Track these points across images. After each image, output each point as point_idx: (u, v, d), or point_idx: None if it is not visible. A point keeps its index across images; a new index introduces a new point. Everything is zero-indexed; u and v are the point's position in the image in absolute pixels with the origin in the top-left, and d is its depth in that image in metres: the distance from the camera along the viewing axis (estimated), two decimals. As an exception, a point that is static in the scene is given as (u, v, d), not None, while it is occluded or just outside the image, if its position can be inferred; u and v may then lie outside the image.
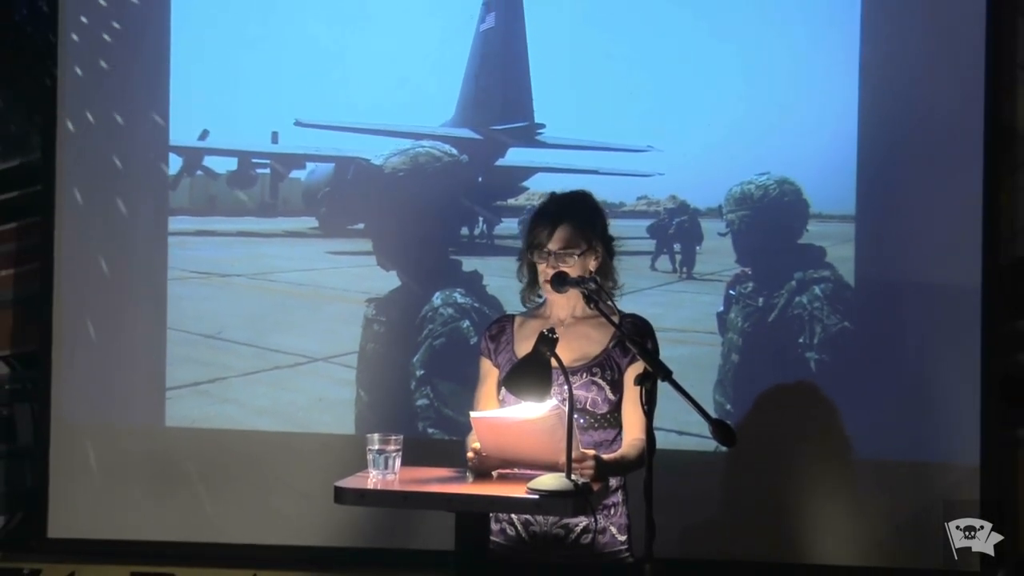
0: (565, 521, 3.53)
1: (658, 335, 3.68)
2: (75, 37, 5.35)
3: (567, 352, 3.53)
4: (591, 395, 3.58)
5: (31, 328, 5.44)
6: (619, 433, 3.61)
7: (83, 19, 5.35)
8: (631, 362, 3.58)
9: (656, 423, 3.22)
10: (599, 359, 3.61)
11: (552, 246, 3.56)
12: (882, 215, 5.05)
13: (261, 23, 5.32)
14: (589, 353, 3.61)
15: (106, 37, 5.35)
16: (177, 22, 5.32)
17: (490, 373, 3.71)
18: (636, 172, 5.19)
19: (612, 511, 3.60)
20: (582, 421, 3.57)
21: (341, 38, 5.28)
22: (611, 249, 3.68)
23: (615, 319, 3.49)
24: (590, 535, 3.56)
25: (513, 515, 3.58)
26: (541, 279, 3.60)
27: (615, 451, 3.54)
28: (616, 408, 3.61)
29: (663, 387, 3.24)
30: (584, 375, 3.58)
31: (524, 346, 3.57)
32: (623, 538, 3.62)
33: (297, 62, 5.28)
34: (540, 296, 3.72)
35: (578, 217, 3.60)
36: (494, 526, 3.61)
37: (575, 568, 3.56)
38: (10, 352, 5.53)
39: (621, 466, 3.49)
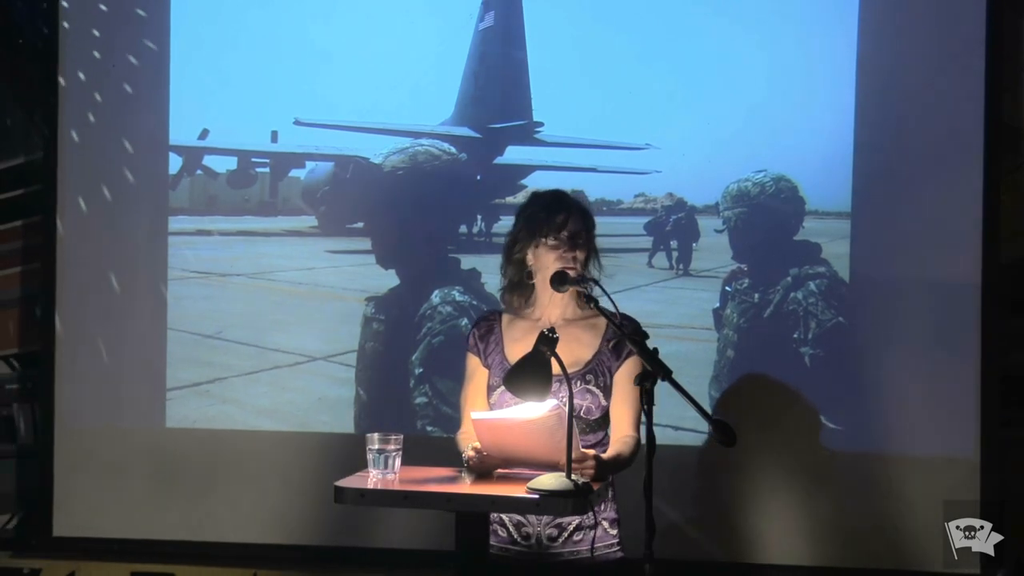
0: (558, 520, 3.54)
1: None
2: (75, 37, 5.36)
3: (560, 355, 3.53)
4: (586, 403, 3.58)
5: (31, 328, 5.46)
6: (607, 433, 3.62)
7: (83, 19, 5.36)
8: (620, 364, 3.59)
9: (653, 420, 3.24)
10: (591, 365, 3.61)
11: (572, 227, 3.57)
12: (877, 212, 5.06)
13: (260, 22, 5.33)
14: (582, 358, 3.61)
15: (106, 37, 5.36)
16: (176, 22, 5.34)
17: (477, 371, 3.68)
18: (634, 170, 5.20)
19: (602, 507, 3.60)
20: (575, 428, 3.57)
21: (340, 37, 5.28)
22: (595, 244, 3.70)
23: (608, 320, 3.49)
24: (582, 532, 3.57)
25: (504, 516, 3.58)
26: (553, 267, 3.55)
27: (606, 450, 3.55)
28: (606, 412, 3.61)
29: (660, 384, 3.26)
30: (578, 383, 3.57)
31: (513, 348, 3.58)
32: (614, 532, 3.62)
33: (296, 61, 5.29)
34: (517, 302, 3.68)
35: (580, 206, 3.66)
36: (486, 525, 3.63)
37: (570, 567, 3.56)
38: (11, 352, 5.54)
39: (618, 464, 3.49)
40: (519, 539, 3.59)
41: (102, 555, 5.30)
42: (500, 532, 3.61)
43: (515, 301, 3.68)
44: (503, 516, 3.58)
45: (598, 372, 3.60)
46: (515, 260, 3.65)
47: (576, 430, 3.26)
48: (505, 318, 3.72)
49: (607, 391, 3.60)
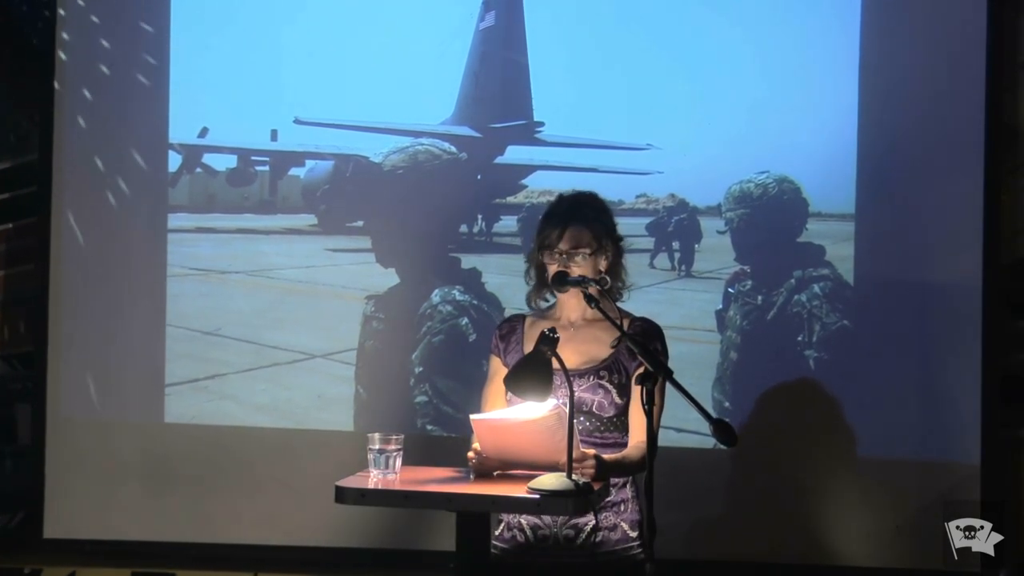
0: (574, 521, 3.53)
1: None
2: (74, 36, 5.35)
3: (576, 354, 3.54)
4: (597, 398, 3.57)
5: (29, 327, 5.46)
6: (625, 437, 3.60)
7: (82, 17, 5.35)
8: (639, 365, 3.56)
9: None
10: (607, 362, 3.60)
11: (563, 246, 3.56)
12: (881, 214, 5.06)
13: (261, 21, 5.33)
14: (597, 356, 3.60)
15: (106, 35, 5.35)
16: (177, 20, 5.33)
17: (499, 372, 3.67)
18: (635, 170, 5.19)
19: (622, 507, 3.59)
20: (588, 424, 3.57)
21: (341, 36, 5.28)
22: (620, 248, 3.69)
23: (618, 320, 3.48)
24: (600, 534, 3.55)
25: (523, 521, 3.57)
26: (550, 279, 3.59)
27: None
28: (623, 412, 3.59)
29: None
30: (591, 378, 3.58)
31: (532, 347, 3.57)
32: (635, 534, 3.60)
33: (297, 60, 5.29)
34: (546, 300, 3.72)
35: (588, 217, 3.61)
36: (505, 533, 3.61)
37: (585, 568, 3.54)
38: (9, 352, 5.54)
39: (622, 467, 3.48)
40: (535, 542, 3.58)
41: (98, 557, 5.27)
42: (519, 537, 3.59)
43: (537, 301, 3.71)
44: (520, 520, 3.58)
45: (613, 369, 3.59)
46: (535, 263, 3.67)
47: (576, 429, 3.25)
48: (528, 320, 3.73)
49: (623, 389, 3.58)
